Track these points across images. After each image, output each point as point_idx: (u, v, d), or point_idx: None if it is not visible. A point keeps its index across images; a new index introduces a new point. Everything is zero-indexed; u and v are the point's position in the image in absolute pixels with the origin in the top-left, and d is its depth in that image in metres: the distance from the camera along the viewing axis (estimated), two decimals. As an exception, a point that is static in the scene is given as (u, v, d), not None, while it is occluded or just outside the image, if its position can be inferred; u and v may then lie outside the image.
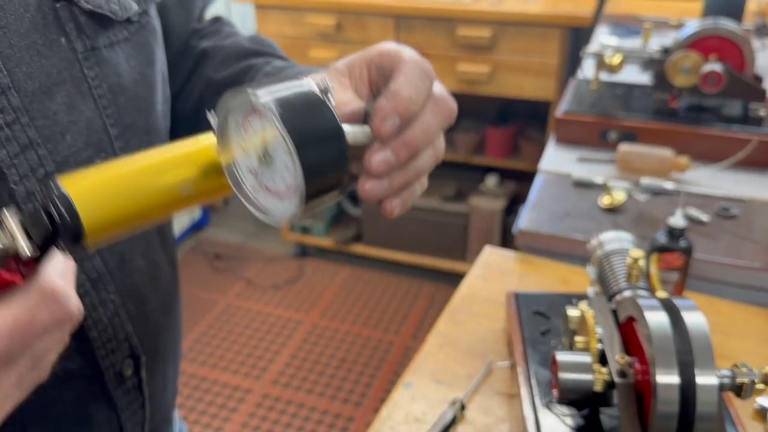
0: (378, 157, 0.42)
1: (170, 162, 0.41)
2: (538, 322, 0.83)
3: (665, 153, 1.19)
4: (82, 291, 0.53)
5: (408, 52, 0.46)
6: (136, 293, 0.59)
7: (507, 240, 2.56)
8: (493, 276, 1.00)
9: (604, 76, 1.39)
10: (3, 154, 0.47)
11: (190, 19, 0.72)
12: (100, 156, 0.53)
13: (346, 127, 0.40)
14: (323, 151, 0.38)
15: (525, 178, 2.60)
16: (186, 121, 0.70)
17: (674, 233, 0.90)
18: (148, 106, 0.59)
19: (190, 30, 0.72)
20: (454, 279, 2.67)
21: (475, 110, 2.69)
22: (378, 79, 0.48)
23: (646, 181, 1.15)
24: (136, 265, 0.59)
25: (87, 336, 0.54)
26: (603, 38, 1.36)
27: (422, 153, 0.45)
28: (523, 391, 0.73)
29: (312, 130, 0.38)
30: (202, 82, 0.69)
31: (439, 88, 0.46)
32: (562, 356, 0.64)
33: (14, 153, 0.47)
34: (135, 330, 0.59)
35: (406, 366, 0.73)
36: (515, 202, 2.62)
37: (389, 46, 0.47)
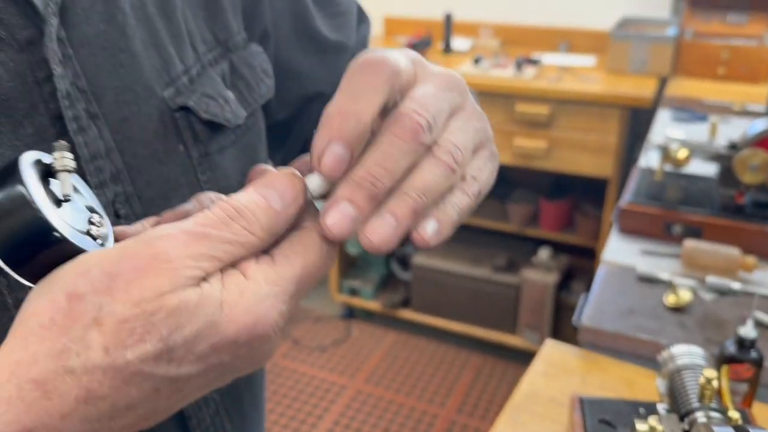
0: (333, 212, 0.35)
1: None
2: (604, 431, 0.81)
3: (732, 252, 1.17)
4: None
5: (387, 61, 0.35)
6: (233, 390, 0.61)
7: (559, 316, 2.52)
8: (555, 373, 0.98)
9: (669, 168, 1.38)
10: None
11: (337, 75, 0.72)
12: None
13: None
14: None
15: (579, 253, 2.59)
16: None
17: (744, 344, 0.88)
18: None
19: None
20: (502, 351, 2.64)
21: (529, 181, 2.70)
22: None
23: (712, 279, 1.13)
24: None
25: None
26: (668, 130, 1.36)
27: (417, 172, 0.36)
28: (589, 508, 0.71)
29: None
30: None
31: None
32: (634, 481, 0.63)
33: None
34: (233, 428, 0.60)
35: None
36: (569, 277, 2.59)
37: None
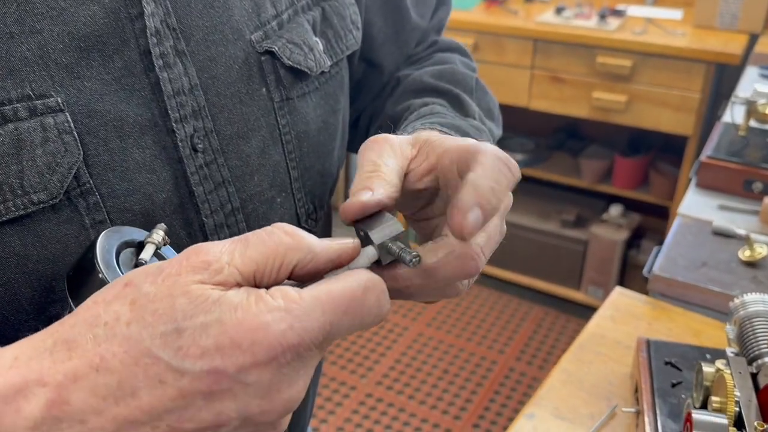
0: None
1: None
2: (669, 373, 0.83)
3: (815, 211, 1.15)
4: None
5: (486, 145, 0.43)
6: None
7: (626, 273, 2.51)
8: (622, 318, 1.00)
9: (754, 123, 1.35)
10: (200, 191, 0.51)
11: (402, 54, 0.74)
12: (281, 196, 0.58)
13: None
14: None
15: (652, 212, 2.55)
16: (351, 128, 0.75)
17: (820, 299, 0.88)
18: (327, 152, 0.63)
19: (401, 63, 0.75)
20: (565, 306, 2.65)
21: (605, 137, 2.65)
22: (449, 174, 0.45)
23: (790, 238, 1.12)
24: None
25: None
26: (757, 85, 1.32)
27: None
28: (650, 441, 0.74)
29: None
30: (382, 108, 0.72)
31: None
32: (698, 415, 0.65)
33: (209, 189, 0.52)
34: None
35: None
36: (638, 236, 2.56)
37: (470, 141, 0.44)
